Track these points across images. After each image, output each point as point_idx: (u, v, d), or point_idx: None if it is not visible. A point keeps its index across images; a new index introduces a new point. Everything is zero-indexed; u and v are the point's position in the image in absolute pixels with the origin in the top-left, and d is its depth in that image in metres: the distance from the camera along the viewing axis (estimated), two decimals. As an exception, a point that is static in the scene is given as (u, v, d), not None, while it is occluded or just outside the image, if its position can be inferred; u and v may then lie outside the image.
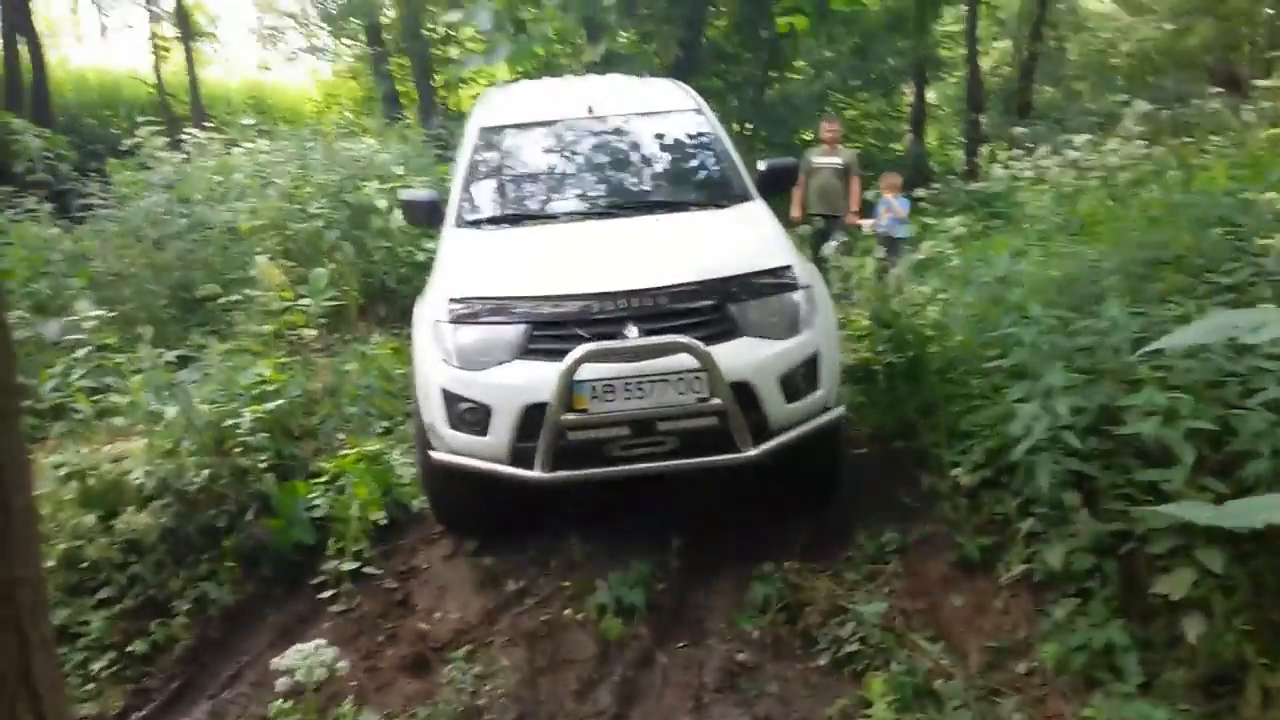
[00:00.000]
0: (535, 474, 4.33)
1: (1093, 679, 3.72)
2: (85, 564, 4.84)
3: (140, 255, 8.74)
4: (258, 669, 4.48)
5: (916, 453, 5.22)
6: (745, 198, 5.65)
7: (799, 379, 4.55)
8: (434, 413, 4.58)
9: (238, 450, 5.23)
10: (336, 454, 5.61)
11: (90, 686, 4.44)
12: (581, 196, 5.77)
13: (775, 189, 5.99)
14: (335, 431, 6.01)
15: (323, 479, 5.34)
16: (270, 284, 6.26)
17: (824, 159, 10.32)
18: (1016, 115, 17.38)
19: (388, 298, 9.45)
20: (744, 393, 4.37)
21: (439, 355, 4.57)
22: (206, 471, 5.09)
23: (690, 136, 6.24)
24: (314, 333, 6.68)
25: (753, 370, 4.42)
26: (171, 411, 5.20)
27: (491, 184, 5.93)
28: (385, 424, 6.34)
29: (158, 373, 5.42)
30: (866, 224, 9.81)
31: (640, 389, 4.30)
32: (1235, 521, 1.01)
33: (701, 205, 5.60)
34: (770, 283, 4.69)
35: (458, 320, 4.57)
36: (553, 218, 5.53)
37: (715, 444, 4.39)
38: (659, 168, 6.12)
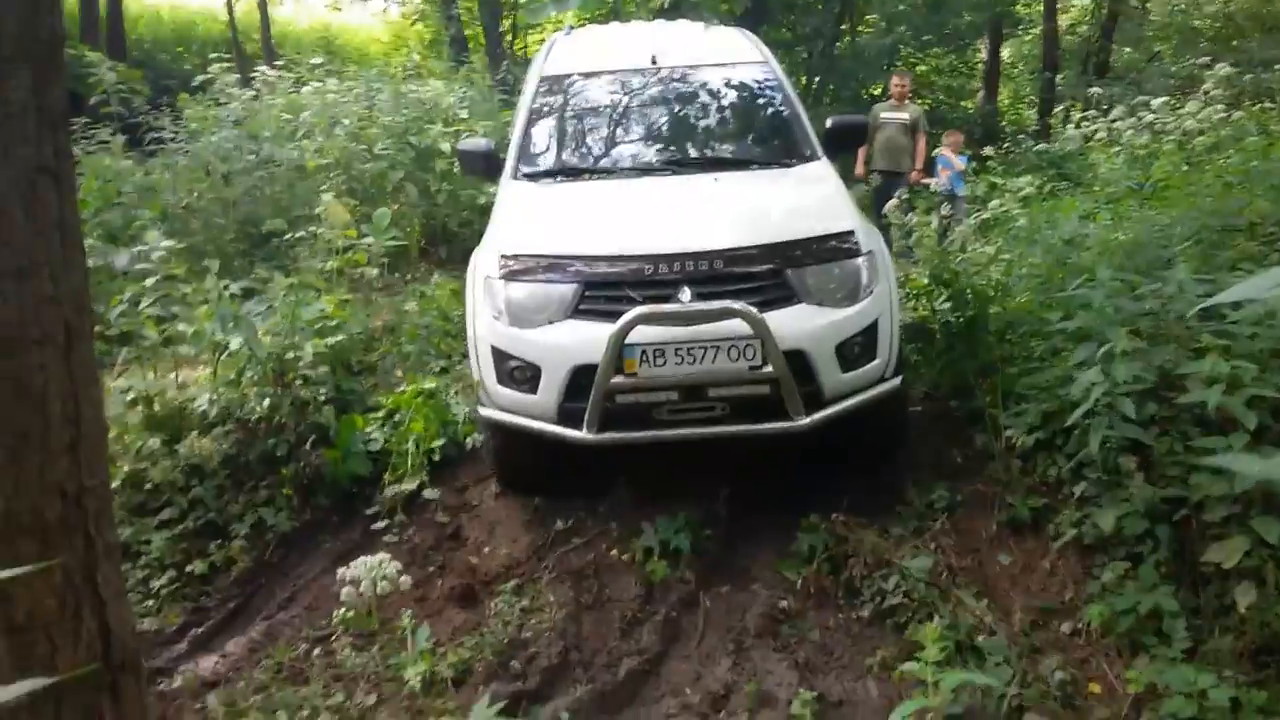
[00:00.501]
0: (582, 435, 4.28)
1: (1137, 643, 3.70)
2: (149, 485, 5.00)
3: (209, 189, 8.90)
4: (313, 592, 4.61)
5: (971, 413, 5.19)
6: (811, 157, 5.48)
7: (856, 348, 4.43)
8: (483, 368, 4.56)
9: (298, 382, 5.34)
10: (394, 390, 5.71)
11: (150, 603, 4.61)
12: (641, 152, 5.68)
13: (842, 147, 5.82)
14: (393, 368, 6.12)
15: (380, 414, 5.45)
16: (335, 222, 6.33)
17: (891, 114, 10.17)
18: (1093, 75, 16.97)
19: (449, 240, 9.53)
20: (798, 361, 4.27)
21: (490, 311, 4.50)
22: (267, 401, 5.22)
23: (756, 91, 6.08)
24: (375, 271, 6.76)
25: (808, 338, 4.30)
26: (235, 342, 5.32)
27: (550, 136, 5.80)
28: (443, 363, 6.42)
29: (223, 304, 5.53)
30: (931, 182, 9.68)
31: (691, 354, 4.20)
32: None
33: (765, 164, 5.46)
34: (831, 248, 4.54)
35: (509, 276, 4.48)
36: (611, 173, 5.42)
37: (767, 411, 4.32)
38: (723, 123, 5.99)
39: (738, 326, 4.15)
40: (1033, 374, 4.83)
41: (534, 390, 4.36)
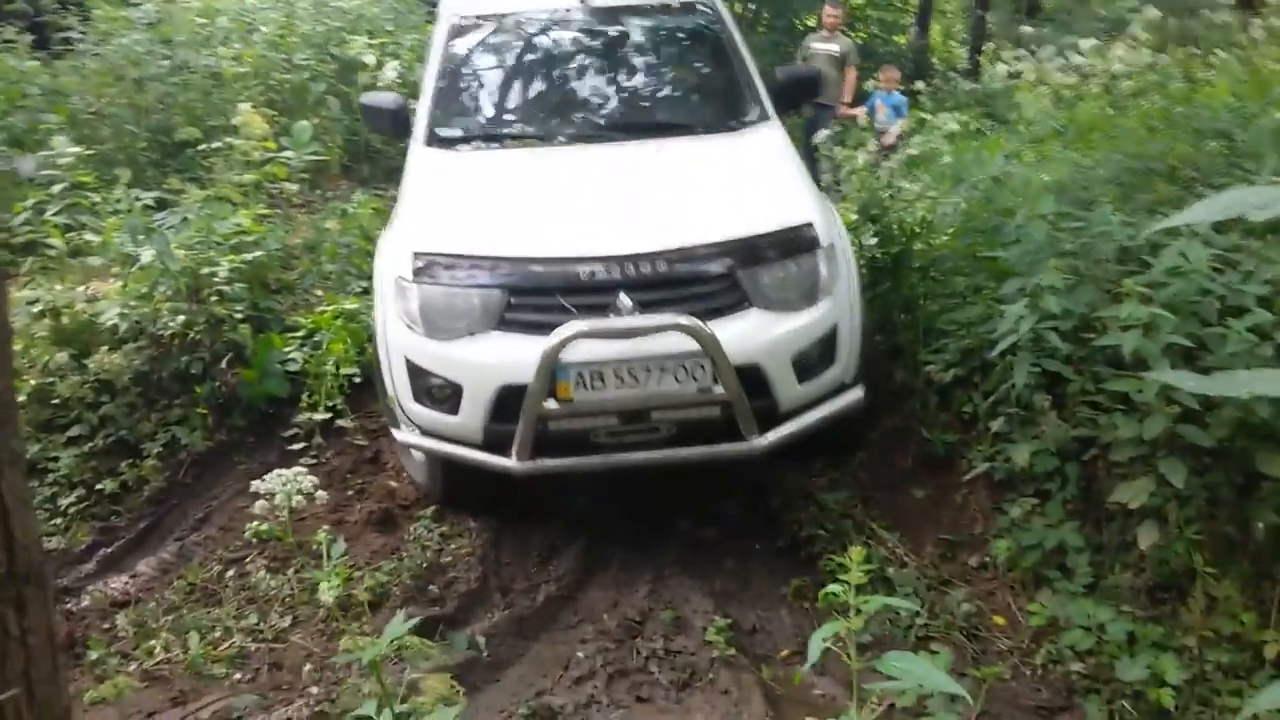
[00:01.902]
0: (510, 463, 3.80)
1: (1042, 577, 3.81)
2: (56, 401, 4.85)
3: (120, 95, 8.51)
4: (227, 514, 4.55)
5: (893, 348, 5.25)
6: (760, 118, 4.97)
7: (814, 356, 4.00)
8: (397, 383, 4.02)
9: (214, 299, 5.20)
10: (313, 310, 5.59)
11: (58, 521, 4.51)
12: (571, 113, 5.09)
13: (794, 104, 5.39)
14: (313, 287, 5.98)
15: (298, 334, 5.33)
16: (252, 133, 6.11)
17: (822, 45, 10.12)
18: (1025, 15, 17.02)
19: (371, 157, 9.30)
20: (752, 376, 3.82)
21: (402, 317, 3.96)
22: (182, 318, 5.08)
23: (700, 37, 5.52)
24: (295, 187, 6.57)
25: (764, 352, 3.85)
26: (148, 255, 5.15)
27: (465, 92, 5.25)
28: (364, 283, 6.28)
29: (134, 215, 5.33)
30: (858, 113, 9.68)
31: (634, 375, 3.72)
32: (1221, 390, 1.05)
33: (710, 129, 4.92)
34: (787, 243, 4.06)
35: (423, 278, 3.92)
36: (538, 139, 4.85)
37: (717, 433, 3.89)
38: (663, 78, 5.46)
39: (685, 343, 3.68)
40: (953, 311, 4.89)
41: (455, 411, 3.87)
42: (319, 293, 5.92)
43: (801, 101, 5.58)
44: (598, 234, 3.97)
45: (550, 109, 5.14)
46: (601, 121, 5.03)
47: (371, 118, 5.22)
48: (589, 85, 5.28)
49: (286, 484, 2.11)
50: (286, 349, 5.21)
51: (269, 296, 5.63)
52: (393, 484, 4.69)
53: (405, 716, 1.87)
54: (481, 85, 5.32)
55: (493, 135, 4.95)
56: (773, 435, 3.89)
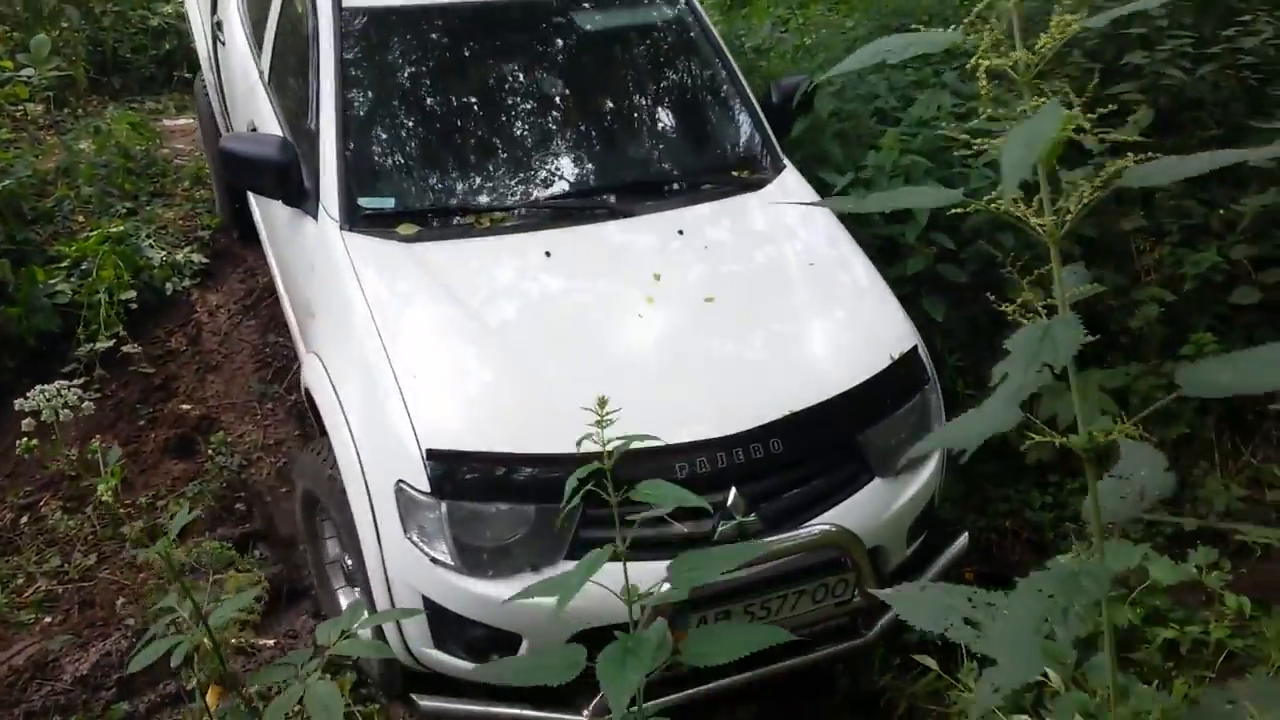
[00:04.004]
0: (581, 718, 2.73)
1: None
2: None
3: None
4: (10, 461, 4.33)
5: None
6: (773, 162, 3.87)
7: (926, 514, 3.21)
8: (407, 626, 2.85)
9: (-38, 234, 4.84)
10: (76, 237, 5.27)
11: None
12: (541, 167, 3.70)
13: (788, 130, 4.19)
14: (73, 213, 5.63)
15: (64, 264, 5.03)
16: (-19, 52, 5.65)
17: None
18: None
19: (121, 68, 8.67)
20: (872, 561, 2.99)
21: (416, 544, 2.73)
22: (-74, 258, 4.72)
23: (680, 43, 4.23)
24: (40, 108, 6.13)
25: (890, 535, 3.04)
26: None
27: (386, 130, 3.71)
28: (128, 205, 5.95)
29: None
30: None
31: (766, 608, 2.82)
32: (874, 208, 1.21)
33: (725, 184, 3.75)
34: (902, 384, 3.15)
35: (449, 492, 2.70)
36: (508, 211, 3.49)
37: (832, 636, 3.06)
38: (646, 104, 4.11)
39: (821, 551, 2.85)
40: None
41: None
42: (80, 218, 5.59)
43: (791, 124, 4.23)
44: (682, 405, 2.82)
45: (512, 159, 3.71)
46: (590, 181, 3.74)
47: (240, 172, 3.53)
48: (553, 117, 3.90)
49: (51, 399, 2.05)
50: (52, 281, 4.91)
51: (25, 227, 5.28)
52: (187, 408, 4.55)
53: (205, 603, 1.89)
54: (407, 116, 3.77)
55: (444, 208, 3.54)
56: (883, 621, 3.04)
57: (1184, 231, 3.99)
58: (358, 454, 2.84)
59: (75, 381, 4.54)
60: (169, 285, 5.13)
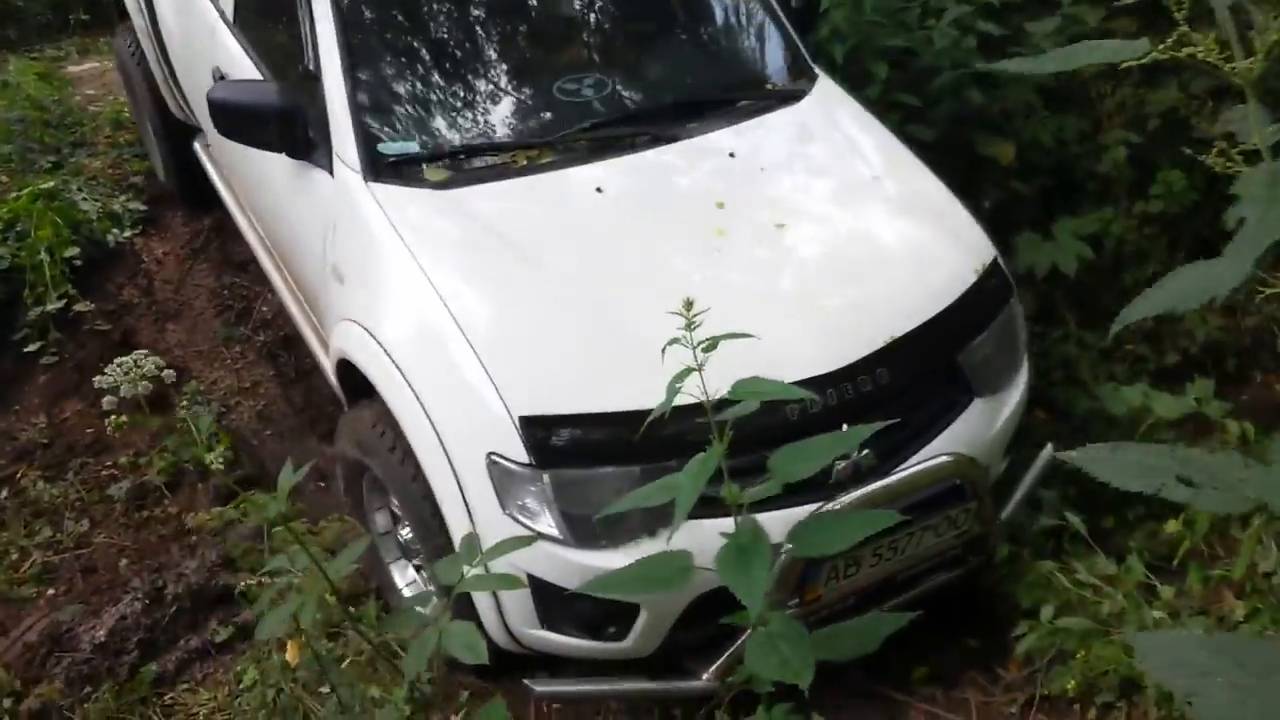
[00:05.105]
0: (706, 683, 2.57)
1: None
2: None
3: None
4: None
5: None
6: (807, 69, 3.57)
7: (1016, 434, 3.06)
8: (508, 605, 2.63)
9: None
10: (5, 198, 5.02)
11: None
12: (567, 90, 3.29)
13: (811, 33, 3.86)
14: (-8, 174, 5.36)
15: (-6, 228, 4.80)
16: None
17: None
18: None
19: (17, 18, 8.22)
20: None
21: (516, 519, 2.49)
22: None
23: None
24: (-67, 65, 5.78)
25: (995, 455, 2.89)
26: None
27: (396, 65, 3.34)
28: (51, 159, 5.67)
29: None
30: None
31: (894, 547, 2.66)
32: (1051, 68, 1.15)
33: (764, 99, 3.45)
34: (991, 297, 2.97)
35: (552, 461, 2.48)
36: (544, 148, 3.13)
37: (943, 566, 2.90)
38: (671, 15, 3.79)
39: (942, 481, 2.67)
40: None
41: (621, 636, 2.62)
42: (4, 178, 5.32)
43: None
44: (782, 342, 2.52)
45: (538, 88, 3.37)
46: (625, 107, 3.40)
47: (235, 125, 3.14)
48: (578, 39, 3.61)
49: (129, 372, 1.96)
50: (-15, 247, 4.69)
51: (-57, 195, 5.02)
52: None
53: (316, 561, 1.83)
54: (418, 46, 3.40)
55: (472, 148, 3.18)
56: (991, 545, 2.96)
57: (1143, 71, 3.99)
58: (434, 429, 2.56)
59: (30, 347, 4.42)
60: (111, 237, 4.92)
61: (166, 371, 2.00)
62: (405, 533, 3.07)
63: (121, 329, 4.60)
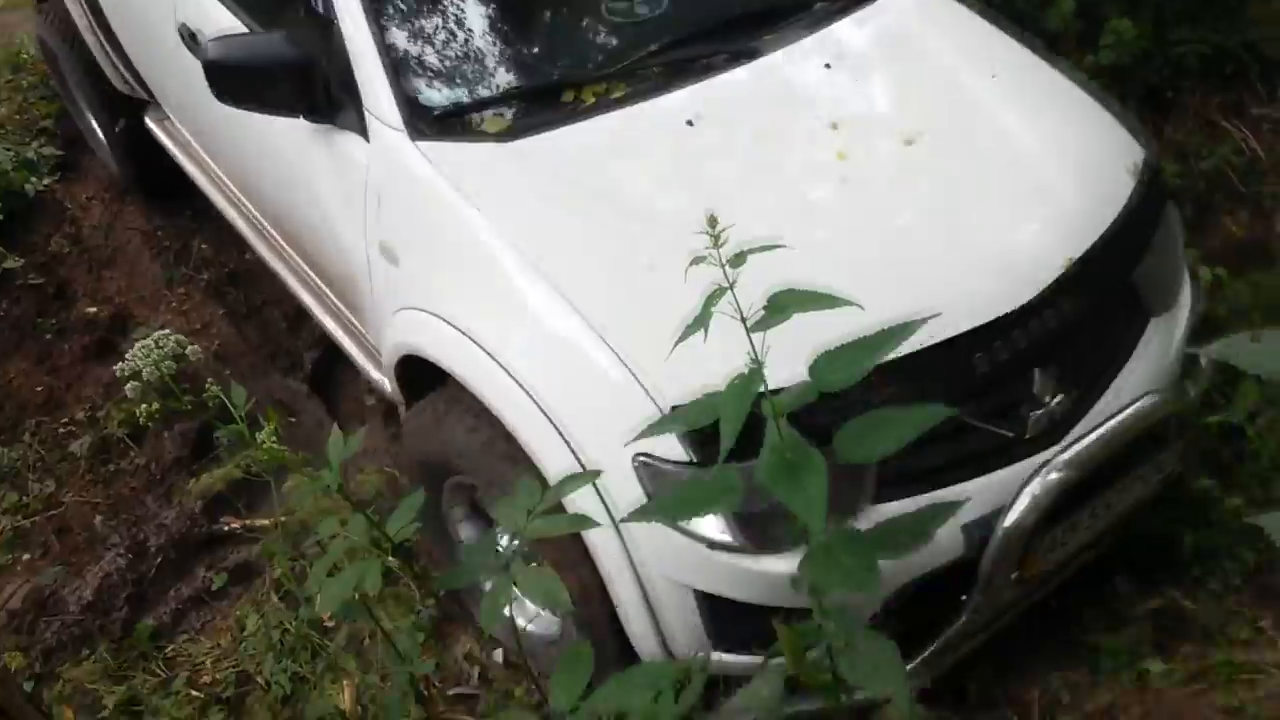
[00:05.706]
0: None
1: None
2: None
3: None
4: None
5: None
6: None
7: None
8: (673, 626, 2.21)
9: None
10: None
11: None
12: (617, 13, 2.80)
13: None
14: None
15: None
16: None
17: None
18: None
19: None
20: None
21: (676, 526, 2.09)
22: None
23: None
24: None
25: (1174, 378, 2.54)
26: None
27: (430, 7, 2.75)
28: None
29: None
30: None
31: (1108, 504, 2.38)
32: None
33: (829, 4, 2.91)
34: (1152, 202, 2.59)
35: (715, 454, 1.65)
36: (610, 85, 2.64)
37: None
38: None
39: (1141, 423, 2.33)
40: None
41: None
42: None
43: None
44: (950, 281, 2.21)
45: (584, 9, 2.86)
46: (687, 19, 2.83)
47: (240, 87, 2.61)
48: None
49: (149, 354, 1.83)
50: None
51: None
52: (93, 310, 4.24)
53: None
54: None
55: (526, 89, 2.70)
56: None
57: (1083, -83, 3.92)
58: (560, 433, 2.13)
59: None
60: (29, 186, 4.65)
61: (191, 348, 1.86)
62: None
63: (55, 281, 4.41)
